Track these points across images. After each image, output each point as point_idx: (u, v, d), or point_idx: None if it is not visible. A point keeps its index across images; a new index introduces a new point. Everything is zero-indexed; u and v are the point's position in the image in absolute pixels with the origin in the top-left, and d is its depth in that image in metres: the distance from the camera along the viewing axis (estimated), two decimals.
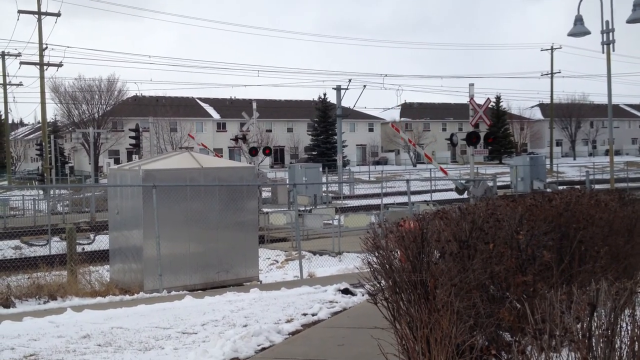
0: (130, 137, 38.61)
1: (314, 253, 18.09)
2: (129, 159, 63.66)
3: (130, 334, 7.95)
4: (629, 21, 18.94)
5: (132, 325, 8.45)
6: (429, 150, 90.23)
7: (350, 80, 46.50)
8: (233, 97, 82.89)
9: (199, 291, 11.95)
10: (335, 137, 59.67)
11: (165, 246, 12.52)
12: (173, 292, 11.94)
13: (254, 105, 38.36)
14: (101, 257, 14.82)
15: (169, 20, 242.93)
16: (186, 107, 77.62)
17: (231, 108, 77.70)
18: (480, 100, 23.19)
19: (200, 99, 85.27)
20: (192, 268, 13.02)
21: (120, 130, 67.41)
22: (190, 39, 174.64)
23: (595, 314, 3.29)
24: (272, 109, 78.72)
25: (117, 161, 63.74)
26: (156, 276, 12.38)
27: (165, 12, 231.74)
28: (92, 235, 21.83)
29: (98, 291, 12.04)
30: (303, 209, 25.31)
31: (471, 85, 23.03)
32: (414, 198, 23.11)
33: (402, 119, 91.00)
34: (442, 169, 25.84)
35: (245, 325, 8.15)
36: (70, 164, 71.64)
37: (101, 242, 18.15)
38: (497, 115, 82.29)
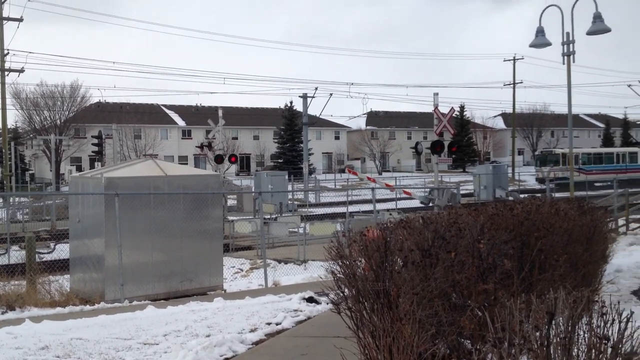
0: (92, 144, 38.02)
1: (279, 261, 18.03)
2: (92, 166, 62.75)
3: (90, 345, 7.80)
4: (589, 33, 19.36)
5: (92, 336, 8.30)
6: (394, 159, 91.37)
7: (316, 89, 46.75)
8: (199, 104, 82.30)
9: (162, 301, 11.80)
10: (302, 145, 59.68)
11: (127, 255, 12.33)
12: (135, 302, 11.75)
13: (220, 112, 38.21)
14: (61, 266, 14.53)
15: (134, 27, 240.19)
16: (151, 114, 76.88)
17: (197, 115, 77.18)
18: (444, 109, 23.52)
19: (165, 105, 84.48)
20: (155, 277, 12.86)
21: (83, 137, 66.35)
22: (156, 45, 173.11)
23: (553, 322, 3.34)
24: (239, 117, 78.43)
25: (79, 168, 62.82)
26: (118, 286, 12.18)
27: (130, 19, 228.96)
28: (52, 244, 21.41)
29: (58, 301, 11.79)
30: (268, 217, 25.25)
31: (435, 94, 23.36)
32: (379, 206, 23.23)
33: (368, 127, 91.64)
34: (405, 191, 26.19)
35: (208, 335, 8.06)
36: (30, 171, 70.26)
37: (62, 251, 17.80)
38: (461, 124, 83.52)
